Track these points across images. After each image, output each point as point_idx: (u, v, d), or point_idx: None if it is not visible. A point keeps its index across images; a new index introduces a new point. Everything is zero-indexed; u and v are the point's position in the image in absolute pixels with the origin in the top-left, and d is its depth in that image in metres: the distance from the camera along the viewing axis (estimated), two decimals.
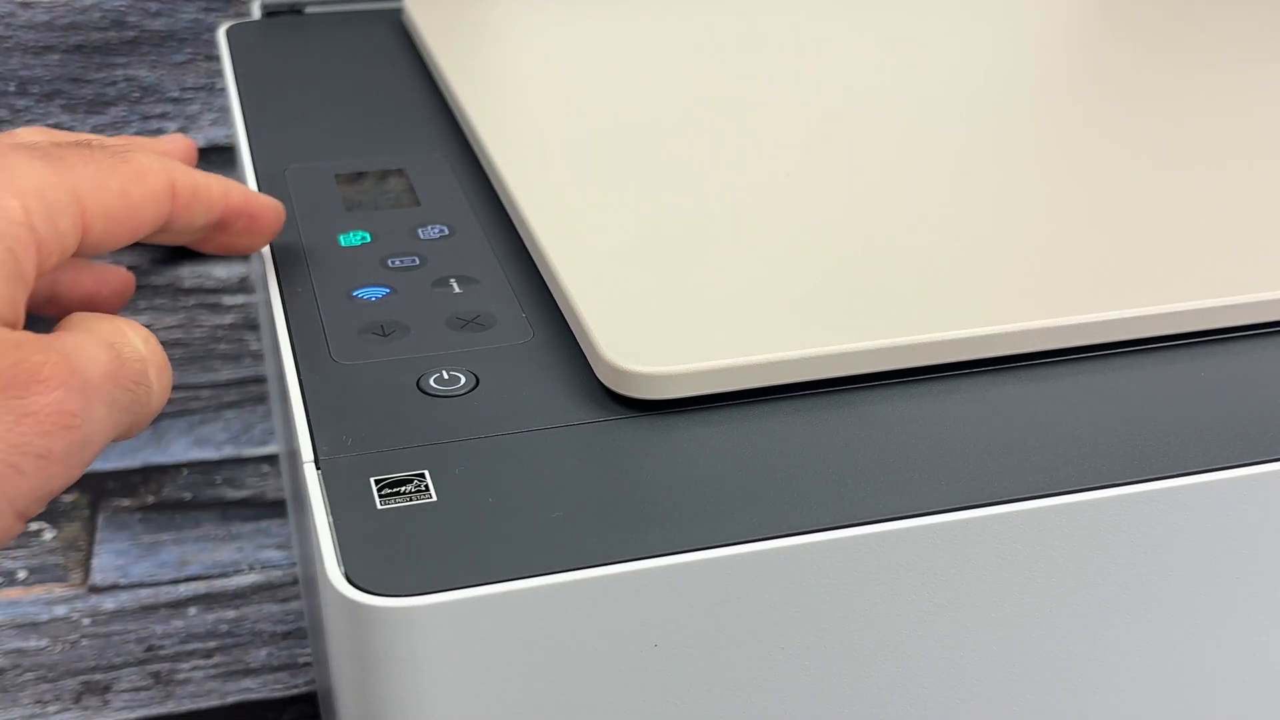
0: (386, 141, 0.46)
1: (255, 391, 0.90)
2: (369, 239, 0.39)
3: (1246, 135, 0.45)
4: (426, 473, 0.29)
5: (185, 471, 0.83)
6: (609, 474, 0.30)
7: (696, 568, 0.28)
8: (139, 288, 0.86)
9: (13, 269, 0.27)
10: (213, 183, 0.34)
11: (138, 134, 0.82)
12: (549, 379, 0.33)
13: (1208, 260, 0.36)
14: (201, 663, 0.68)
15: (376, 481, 0.29)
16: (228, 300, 0.88)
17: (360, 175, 0.44)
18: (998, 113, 0.46)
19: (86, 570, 0.74)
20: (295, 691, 0.67)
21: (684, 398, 0.32)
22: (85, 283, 0.36)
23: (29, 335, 0.27)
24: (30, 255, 0.28)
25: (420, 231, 0.40)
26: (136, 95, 0.82)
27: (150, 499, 0.79)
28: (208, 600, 0.72)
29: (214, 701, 0.66)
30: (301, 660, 0.69)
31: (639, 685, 0.29)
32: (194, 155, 0.38)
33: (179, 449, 0.84)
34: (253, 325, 0.89)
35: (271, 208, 0.36)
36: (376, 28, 0.58)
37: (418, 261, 0.38)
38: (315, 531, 0.28)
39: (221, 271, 0.87)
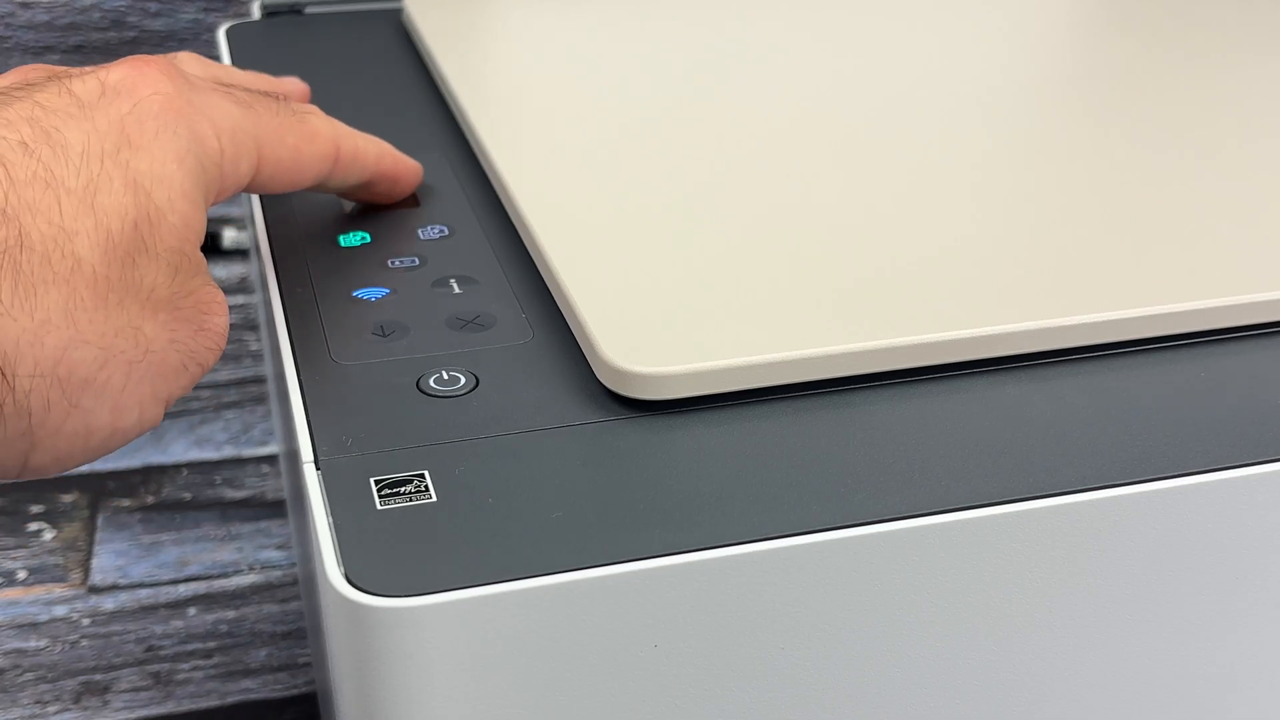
0: (387, 141, 0.46)
1: (255, 391, 0.90)
2: (369, 239, 0.39)
3: (1247, 135, 0.45)
4: (426, 473, 0.29)
5: (185, 472, 0.83)
6: (609, 474, 0.30)
7: (696, 568, 0.28)
8: None
9: (206, 193, 0.32)
10: (370, 146, 0.38)
11: None
12: (549, 379, 0.33)
13: (1208, 260, 0.36)
14: (201, 663, 0.68)
15: (376, 482, 0.29)
16: (227, 300, 0.88)
17: None
18: (998, 113, 0.46)
19: (86, 570, 0.74)
20: (295, 692, 0.67)
21: (684, 398, 0.32)
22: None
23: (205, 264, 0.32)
24: (215, 186, 0.32)
25: (420, 231, 0.40)
26: None
27: (150, 499, 0.80)
28: (207, 600, 0.72)
29: (214, 702, 0.66)
30: (301, 660, 0.69)
31: (639, 685, 0.29)
32: (308, 94, 0.43)
33: (179, 449, 0.84)
34: (253, 325, 0.89)
35: (413, 170, 0.41)
36: (376, 28, 0.58)
37: (418, 261, 0.38)
38: (315, 531, 0.28)
39: (221, 271, 0.87)
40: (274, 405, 0.65)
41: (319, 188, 0.38)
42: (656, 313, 0.33)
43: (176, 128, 0.31)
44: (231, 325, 0.88)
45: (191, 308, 0.31)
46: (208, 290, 0.32)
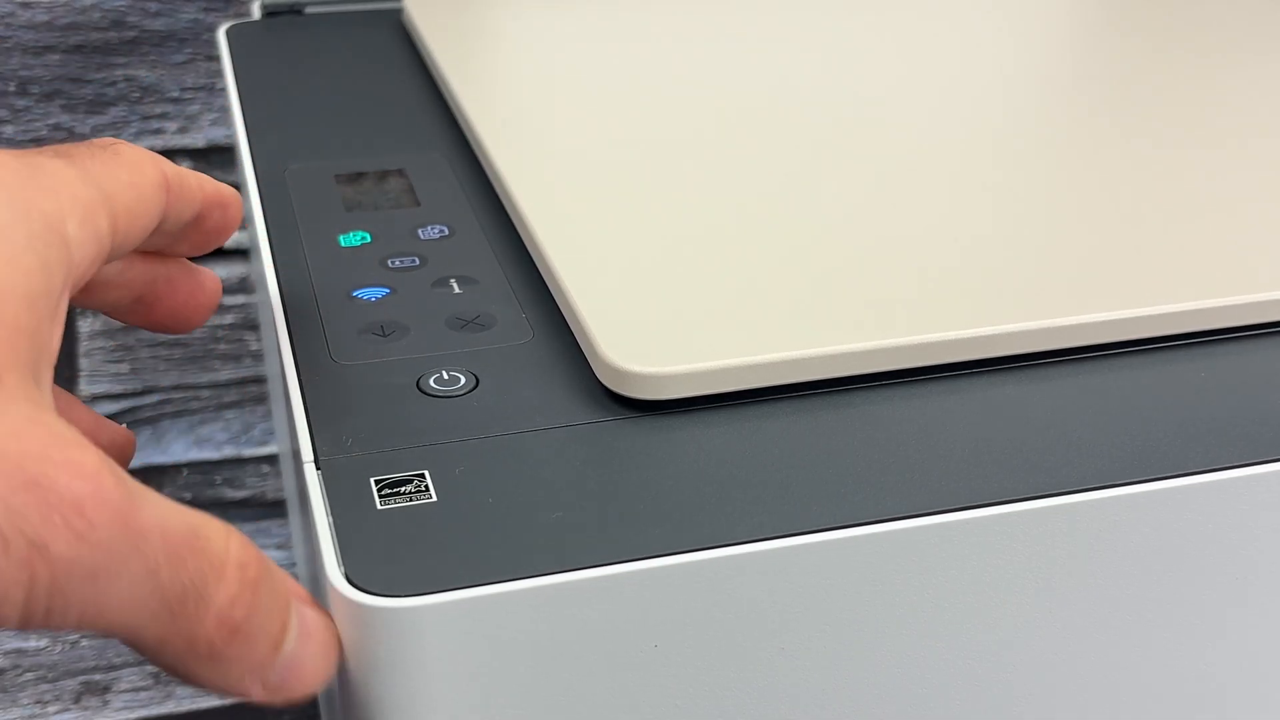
0: (386, 141, 0.46)
1: (255, 391, 0.90)
2: (369, 239, 0.39)
3: (1247, 135, 0.45)
4: (426, 473, 0.29)
5: (185, 471, 0.83)
6: (609, 474, 0.30)
7: (696, 568, 0.28)
8: None
9: (47, 281, 0.24)
10: (186, 172, 0.31)
11: (138, 134, 0.82)
12: (549, 379, 0.33)
13: (1208, 260, 0.36)
14: None
15: (377, 481, 0.29)
16: (228, 300, 0.88)
17: (360, 175, 0.44)
18: (997, 113, 0.46)
19: None
20: None
21: (684, 398, 0.32)
22: (183, 288, 0.33)
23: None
24: (67, 260, 0.25)
25: (420, 231, 0.40)
26: (136, 95, 0.82)
27: None
28: None
29: (214, 701, 0.66)
30: None
31: (639, 685, 0.29)
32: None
33: (179, 449, 0.84)
34: (253, 325, 0.89)
35: (234, 195, 0.33)
36: (376, 28, 0.58)
37: (418, 261, 0.38)
38: (315, 531, 0.28)
39: (221, 271, 0.87)
40: (274, 405, 0.65)
41: (154, 239, 0.30)
42: (656, 313, 0.33)
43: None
44: (231, 325, 0.89)
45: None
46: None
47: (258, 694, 0.25)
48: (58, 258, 0.23)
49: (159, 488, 0.80)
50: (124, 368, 0.87)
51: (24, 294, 0.22)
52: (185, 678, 0.24)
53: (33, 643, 0.69)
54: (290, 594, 0.26)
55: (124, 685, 0.67)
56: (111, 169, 0.27)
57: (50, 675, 0.67)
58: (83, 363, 0.86)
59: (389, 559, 0.27)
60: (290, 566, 0.74)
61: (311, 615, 0.26)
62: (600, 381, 0.32)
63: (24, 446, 0.21)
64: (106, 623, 0.23)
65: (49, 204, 0.24)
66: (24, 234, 0.23)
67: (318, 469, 0.30)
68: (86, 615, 0.22)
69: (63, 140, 0.81)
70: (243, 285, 0.87)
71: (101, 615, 0.23)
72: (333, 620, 0.27)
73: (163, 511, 0.23)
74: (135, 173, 0.28)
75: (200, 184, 0.31)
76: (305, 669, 0.26)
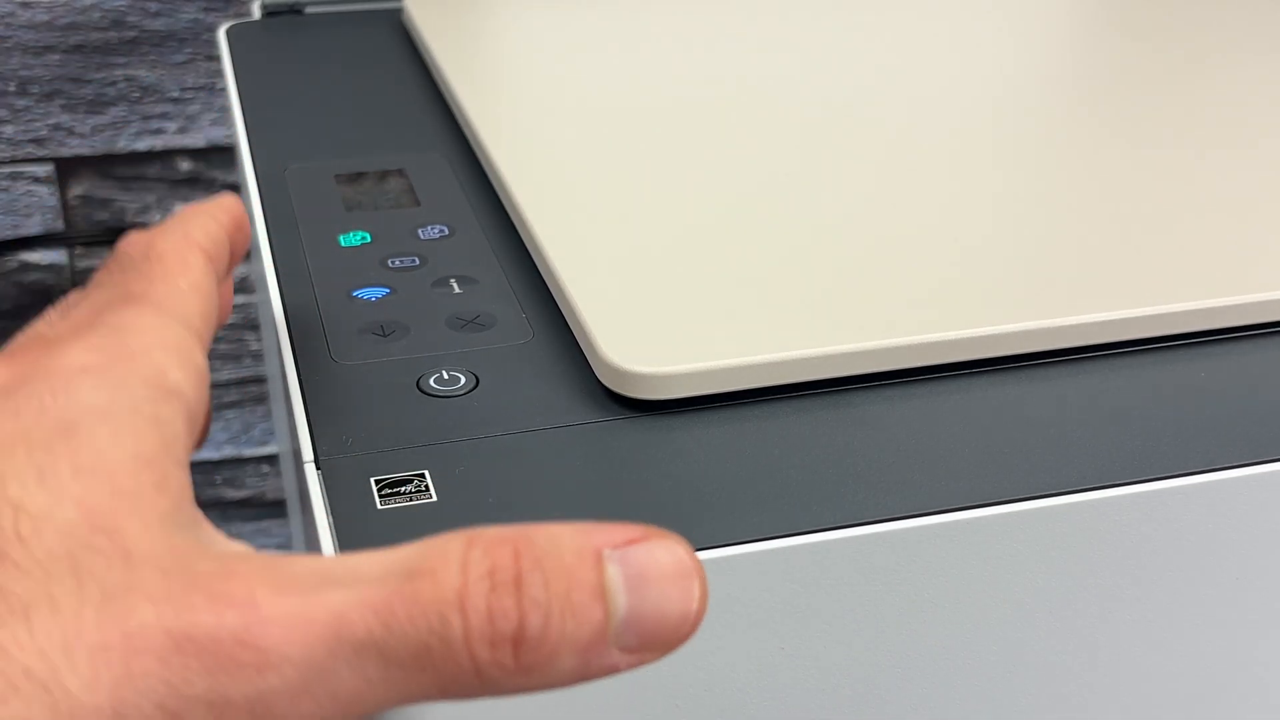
0: (386, 141, 0.46)
1: (255, 391, 0.90)
2: (369, 239, 0.39)
3: (1247, 135, 0.45)
4: (426, 473, 0.29)
5: None
6: (609, 474, 0.30)
7: None
8: None
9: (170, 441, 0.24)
10: (207, 217, 0.31)
11: (138, 134, 0.82)
12: (549, 379, 0.33)
13: (1208, 260, 0.36)
14: None
15: (377, 481, 0.29)
16: None
17: (360, 175, 0.44)
18: (998, 113, 0.46)
19: None
20: None
21: (684, 398, 0.32)
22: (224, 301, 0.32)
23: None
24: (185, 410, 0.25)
25: (420, 231, 0.40)
26: (136, 95, 0.82)
27: None
28: None
29: None
30: None
31: (639, 685, 0.29)
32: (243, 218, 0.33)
33: None
34: (253, 325, 0.89)
35: (239, 206, 0.32)
36: (376, 28, 0.58)
37: (418, 261, 0.38)
38: (316, 531, 0.28)
39: None
40: (274, 405, 0.65)
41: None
42: (656, 313, 0.33)
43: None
44: (231, 325, 0.89)
45: None
46: None
47: (622, 663, 0.22)
48: (170, 409, 0.24)
49: None
50: None
51: (134, 455, 0.23)
52: (515, 693, 0.22)
53: None
54: (581, 556, 0.22)
55: None
56: (172, 285, 0.27)
57: None
58: None
59: None
60: None
61: (639, 555, 0.22)
62: (600, 381, 0.32)
63: (160, 609, 0.20)
64: (362, 713, 0.21)
65: (145, 368, 0.24)
66: (127, 406, 0.23)
67: (318, 469, 0.30)
68: (335, 718, 0.21)
69: (63, 139, 0.81)
70: (243, 285, 0.87)
71: (346, 712, 0.21)
72: (678, 543, 0.23)
73: (356, 582, 0.21)
74: (187, 272, 0.28)
75: (217, 219, 0.31)
76: (660, 615, 0.22)
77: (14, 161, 0.81)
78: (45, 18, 0.79)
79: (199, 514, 0.23)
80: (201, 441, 0.26)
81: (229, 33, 0.57)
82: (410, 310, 0.36)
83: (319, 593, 0.21)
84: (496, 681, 0.21)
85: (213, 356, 0.88)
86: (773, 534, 0.28)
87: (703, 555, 0.28)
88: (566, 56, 0.51)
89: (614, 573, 0.22)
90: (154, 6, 0.80)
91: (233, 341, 0.89)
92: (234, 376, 0.90)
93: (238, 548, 0.23)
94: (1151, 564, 0.31)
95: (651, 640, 0.22)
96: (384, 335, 0.34)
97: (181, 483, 0.23)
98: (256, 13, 0.60)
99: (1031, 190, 0.40)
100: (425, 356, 0.34)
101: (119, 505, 0.22)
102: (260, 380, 0.90)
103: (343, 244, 0.39)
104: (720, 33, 0.53)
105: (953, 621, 0.30)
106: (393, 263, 0.38)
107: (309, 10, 0.60)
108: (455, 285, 0.37)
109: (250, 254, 0.46)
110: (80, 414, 0.23)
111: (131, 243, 0.29)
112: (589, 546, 0.22)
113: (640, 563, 0.22)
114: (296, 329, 0.35)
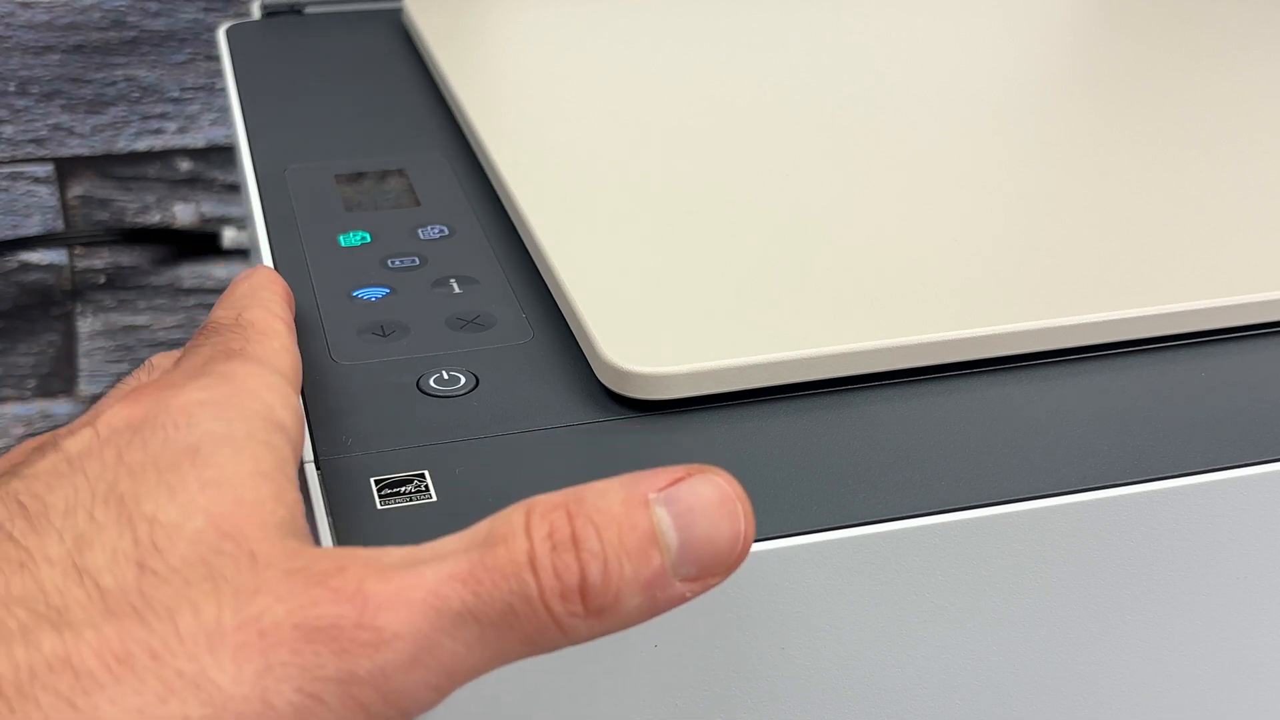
0: (386, 141, 0.46)
1: None
2: (369, 239, 0.39)
3: (1247, 135, 0.45)
4: (426, 473, 0.29)
5: None
6: (609, 474, 0.29)
7: None
8: (139, 288, 0.86)
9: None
10: (259, 289, 0.33)
11: (138, 134, 0.82)
12: (549, 379, 0.33)
13: (1208, 260, 0.36)
14: None
15: (376, 482, 0.29)
16: None
17: (360, 175, 0.44)
18: (998, 113, 0.46)
19: None
20: None
21: (684, 398, 0.32)
22: None
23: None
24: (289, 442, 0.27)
25: (420, 231, 0.40)
26: (136, 95, 0.82)
27: None
28: None
29: None
30: None
31: (639, 685, 0.29)
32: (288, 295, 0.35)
33: None
34: None
35: (279, 282, 0.35)
36: (376, 28, 0.58)
37: (418, 261, 0.38)
38: (315, 531, 0.28)
39: (221, 271, 0.87)
40: None
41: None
42: (656, 313, 0.33)
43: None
44: None
45: None
46: None
47: (689, 591, 0.24)
48: (280, 438, 0.26)
49: None
50: (124, 368, 0.87)
51: (254, 471, 0.25)
52: (597, 636, 0.24)
53: None
54: (629, 504, 0.24)
55: None
56: (266, 345, 0.30)
57: None
58: (83, 363, 0.86)
59: None
60: None
61: (682, 492, 0.24)
62: (600, 381, 0.32)
63: (289, 606, 0.23)
64: (466, 677, 0.24)
65: (256, 404, 0.27)
66: (244, 432, 0.26)
67: (318, 469, 0.30)
68: (440, 688, 0.24)
69: (62, 139, 0.81)
70: None
71: (452, 678, 0.24)
72: (717, 473, 0.25)
73: (442, 560, 0.24)
74: (276, 335, 0.31)
75: (276, 292, 0.33)
76: (712, 542, 0.24)
77: (14, 161, 0.81)
78: (45, 18, 0.79)
79: (306, 524, 0.26)
80: None
81: (229, 33, 0.57)
82: (410, 310, 0.36)
83: (414, 573, 0.23)
84: (576, 629, 0.24)
85: None
86: (773, 534, 0.28)
87: None
88: (567, 56, 0.51)
89: (661, 514, 0.24)
90: (154, 6, 0.80)
91: None
92: None
93: (339, 548, 0.25)
94: (1152, 564, 0.31)
95: (710, 566, 0.24)
96: (384, 335, 0.34)
97: (295, 497, 0.26)
98: (256, 13, 0.60)
99: (1031, 190, 0.40)
100: (425, 356, 0.34)
101: (242, 513, 0.24)
102: None
103: (343, 244, 0.39)
104: (720, 33, 0.53)
105: (953, 621, 0.30)
106: (393, 263, 0.38)
107: (309, 10, 0.60)
108: (455, 285, 0.37)
109: (250, 254, 0.46)
110: (202, 438, 0.25)
111: (221, 314, 0.31)
112: (636, 494, 0.24)
113: (685, 499, 0.24)
114: (296, 329, 0.35)
